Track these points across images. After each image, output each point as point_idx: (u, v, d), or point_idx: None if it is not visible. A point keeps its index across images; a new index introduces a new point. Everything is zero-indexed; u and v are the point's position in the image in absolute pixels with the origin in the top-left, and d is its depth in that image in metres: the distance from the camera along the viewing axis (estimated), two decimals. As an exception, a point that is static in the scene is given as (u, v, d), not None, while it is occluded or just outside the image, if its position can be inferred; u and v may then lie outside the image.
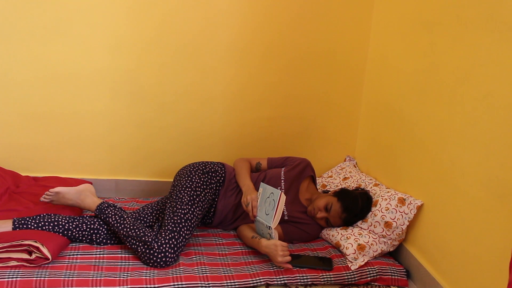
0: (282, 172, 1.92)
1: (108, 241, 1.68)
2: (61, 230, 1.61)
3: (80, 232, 1.63)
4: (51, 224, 1.60)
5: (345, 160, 2.38)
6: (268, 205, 1.63)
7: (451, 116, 1.56)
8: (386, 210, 1.78)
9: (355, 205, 1.80)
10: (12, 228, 1.58)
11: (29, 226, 1.59)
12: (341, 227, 1.85)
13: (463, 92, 1.50)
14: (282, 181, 1.90)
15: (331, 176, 2.27)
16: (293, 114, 2.27)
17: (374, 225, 1.78)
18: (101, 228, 1.67)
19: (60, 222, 1.62)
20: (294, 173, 1.92)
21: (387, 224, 1.76)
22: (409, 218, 1.74)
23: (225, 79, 2.15)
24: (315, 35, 2.16)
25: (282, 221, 1.82)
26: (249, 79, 2.17)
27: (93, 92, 2.05)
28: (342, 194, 1.84)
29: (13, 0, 1.88)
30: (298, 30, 2.14)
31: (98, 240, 1.66)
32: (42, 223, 1.60)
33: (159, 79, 2.09)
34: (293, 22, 2.12)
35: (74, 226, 1.63)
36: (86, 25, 1.96)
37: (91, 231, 1.65)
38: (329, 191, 2.05)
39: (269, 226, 1.59)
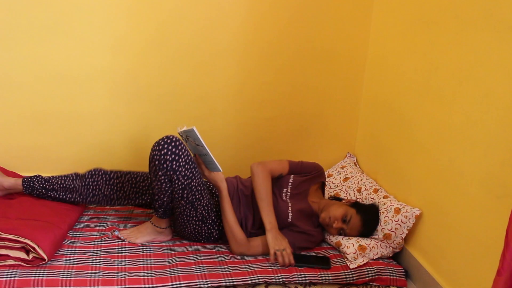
0: (292, 176, 1.89)
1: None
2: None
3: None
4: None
5: (345, 157, 2.38)
6: (203, 155, 1.63)
7: (450, 115, 1.56)
8: (384, 223, 1.76)
9: (374, 221, 1.79)
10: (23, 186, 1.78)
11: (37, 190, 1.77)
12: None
13: (462, 92, 1.49)
14: (290, 184, 1.86)
15: (331, 175, 2.27)
16: (293, 113, 2.26)
17: (374, 237, 1.78)
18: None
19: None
20: (304, 178, 1.89)
21: (386, 236, 1.74)
22: (407, 227, 1.72)
23: (225, 79, 2.14)
24: (315, 33, 2.15)
25: (285, 226, 1.77)
26: (248, 78, 2.16)
27: (92, 92, 2.05)
28: (361, 208, 1.80)
29: (13, 0, 1.87)
30: (298, 29, 2.13)
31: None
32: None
33: (159, 79, 2.08)
34: (292, 21, 2.11)
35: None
36: (85, 25, 1.96)
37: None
38: (336, 198, 2.00)
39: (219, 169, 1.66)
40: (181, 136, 1.61)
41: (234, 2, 2.03)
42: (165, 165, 1.54)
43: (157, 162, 1.55)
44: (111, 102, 2.08)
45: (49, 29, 1.93)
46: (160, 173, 1.56)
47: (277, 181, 1.86)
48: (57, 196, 1.80)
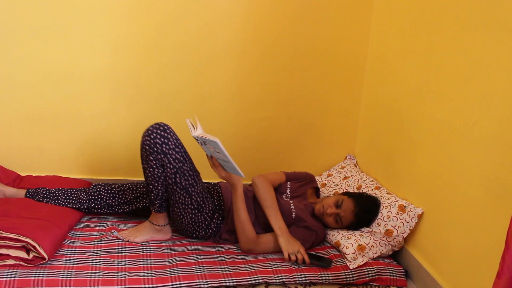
0: (289, 182, 1.97)
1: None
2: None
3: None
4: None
5: (345, 159, 2.37)
6: (223, 161, 1.61)
7: (450, 116, 1.56)
8: (387, 218, 1.77)
9: (366, 201, 1.82)
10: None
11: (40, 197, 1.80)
12: (343, 229, 1.84)
13: (462, 92, 1.50)
14: (288, 188, 1.93)
15: (331, 175, 2.27)
16: (293, 114, 2.26)
17: (374, 232, 1.78)
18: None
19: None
20: (300, 183, 1.97)
21: (388, 232, 1.75)
22: (410, 226, 1.73)
23: (225, 79, 2.14)
24: (315, 34, 2.15)
25: (291, 223, 1.80)
26: (248, 79, 2.16)
27: (93, 93, 2.05)
28: (352, 193, 1.88)
29: (13, 0, 1.87)
30: (297, 30, 2.13)
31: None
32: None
33: (159, 79, 2.09)
34: (292, 22, 2.11)
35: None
36: (86, 26, 1.96)
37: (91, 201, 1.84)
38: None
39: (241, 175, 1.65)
40: (197, 139, 1.60)
41: (234, 2, 2.04)
42: (155, 149, 1.59)
43: (147, 147, 1.60)
44: (111, 102, 2.08)
45: (49, 29, 1.93)
46: (151, 157, 1.60)
47: (276, 189, 1.92)
48: (58, 203, 1.81)
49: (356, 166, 2.29)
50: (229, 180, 1.70)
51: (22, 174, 2.05)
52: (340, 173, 2.25)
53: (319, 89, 2.24)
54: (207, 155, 1.69)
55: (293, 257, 1.64)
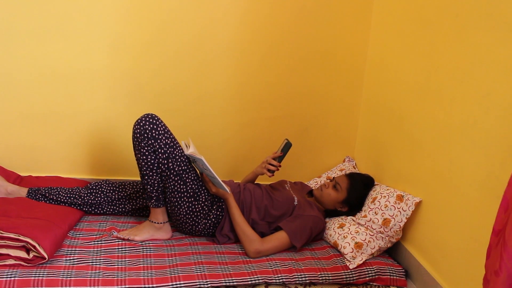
0: (289, 183, 2.05)
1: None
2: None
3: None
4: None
5: (344, 161, 2.37)
6: (210, 177, 1.74)
7: (450, 116, 1.56)
8: (385, 207, 1.78)
9: (358, 174, 1.99)
10: (27, 195, 1.82)
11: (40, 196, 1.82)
12: (338, 226, 1.85)
13: (462, 92, 1.50)
14: (287, 185, 2.01)
15: (330, 178, 2.26)
16: (293, 114, 2.26)
17: (373, 221, 1.78)
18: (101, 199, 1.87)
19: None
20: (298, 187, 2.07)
21: (385, 221, 1.76)
22: (407, 215, 1.74)
23: (225, 79, 2.14)
24: (314, 35, 2.15)
25: (292, 210, 1.84)
26: (248, 79, 2.16)
27: (92, 92, 2.05)
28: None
29: (13, 0, 1.87)
30: (297, 30, 2.13)
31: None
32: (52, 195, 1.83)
33: (158, 79, 2.08)
34: (293, 22, 2.12)
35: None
36: (84, 25, 1.96)
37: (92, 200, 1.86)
38: None
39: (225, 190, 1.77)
40: (189, 157, 1.74)
41: (234, 2, 2.03)
42: (145, 135, 1.65)
43: (138, 135, 1.66)
44: (110, 101, 2.08)
45: (48, 28, 1.93)
46: (142, 143, 1.65)
47: (276, 184, 2.01)
48: (59, 199, 1.82)
49: (355, 168, 2.29)
50: (220, 195, 1.78)
51: (22, 174, 2.05)
52: (339, 175, 2.24)
53: (319, 89, 2.24)
54: (199, 172, 1.79)
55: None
